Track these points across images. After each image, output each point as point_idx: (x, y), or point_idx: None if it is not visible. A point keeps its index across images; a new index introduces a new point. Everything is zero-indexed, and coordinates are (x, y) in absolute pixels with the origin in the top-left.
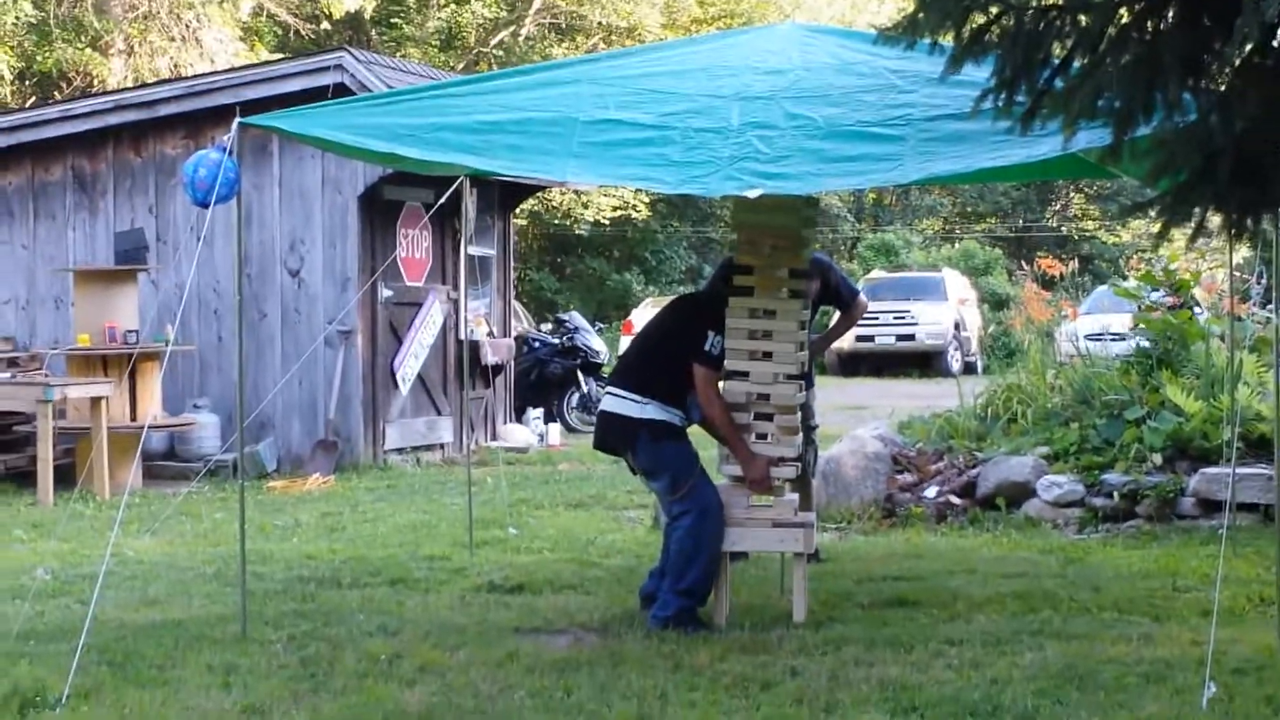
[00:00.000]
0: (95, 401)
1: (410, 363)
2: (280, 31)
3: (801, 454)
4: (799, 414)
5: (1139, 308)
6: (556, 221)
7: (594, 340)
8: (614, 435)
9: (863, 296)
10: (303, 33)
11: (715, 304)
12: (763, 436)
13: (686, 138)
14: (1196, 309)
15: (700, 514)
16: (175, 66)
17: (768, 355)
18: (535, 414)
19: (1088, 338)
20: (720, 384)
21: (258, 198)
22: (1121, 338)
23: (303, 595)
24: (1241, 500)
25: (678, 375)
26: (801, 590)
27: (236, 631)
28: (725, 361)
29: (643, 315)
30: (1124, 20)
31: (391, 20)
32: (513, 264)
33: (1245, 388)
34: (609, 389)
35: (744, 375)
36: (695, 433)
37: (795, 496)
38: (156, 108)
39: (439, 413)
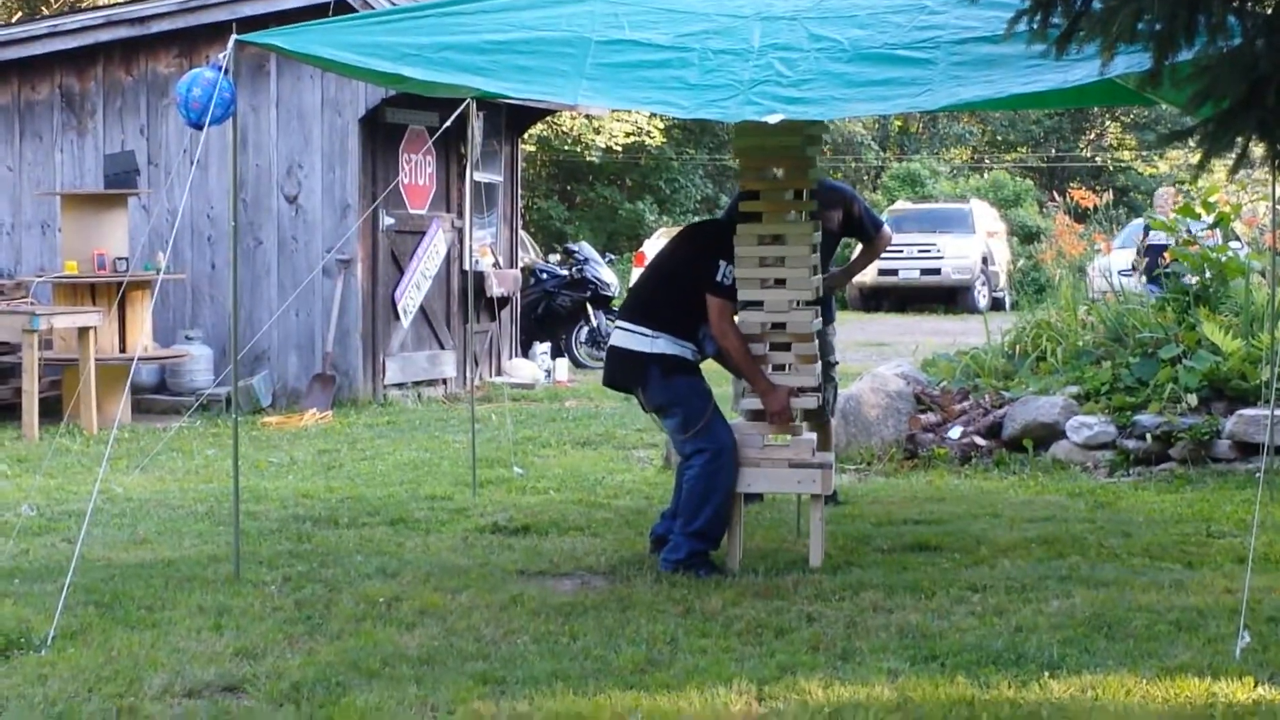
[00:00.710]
0: (83, 332)
1: (412, 294)
2: None
3: (820, 391)
4: (816, 342)
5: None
6: (566, 147)
7: (604, 272)
8: (624, 371)
9: (887, 229)
10: None
11: (725, 232)
12: (780, 367)
13: (705, 60)
14: (1236, 244)
15: (714, 453)
16: None
17: (780, 282)
18: (542, 349)
19: (1121, 273)
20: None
21: (254, 119)
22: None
23: (298, 535)
24: None
25: (689, 307)
26: (818, 534)
27: (229, 572)
28: (738, 291)
29: (655, 246)
30: None
31: None
32: (520, 192)
33: None
34: (618, 323)
35: (758, 305)
36: (708, 369)
37: (813, 436)
38: (149, 24)
39: (441, 346)
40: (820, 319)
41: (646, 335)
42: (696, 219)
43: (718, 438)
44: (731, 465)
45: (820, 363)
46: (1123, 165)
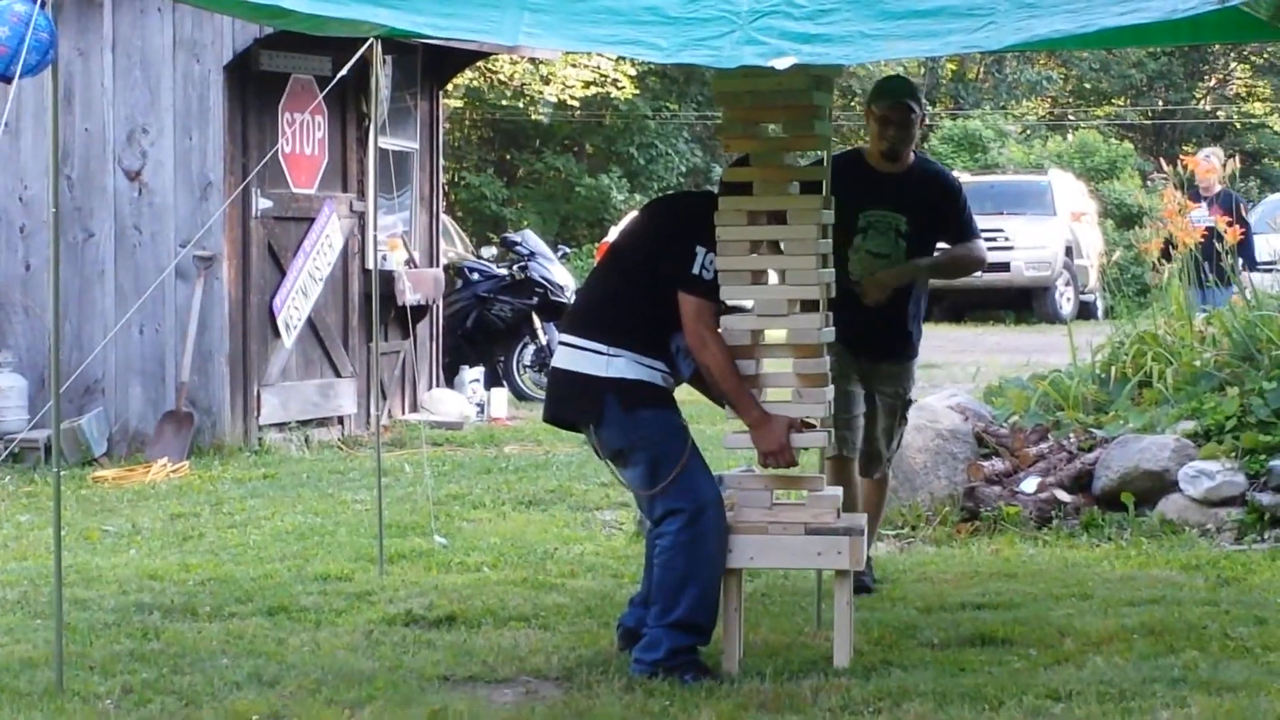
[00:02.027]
0: None
1: (297, 302)
2: None
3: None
4: (826, 357)
5: None
6: (504, 103)
7: (556, 270)
8: (570, 403)
9: (981, 245)
10: None
11: (704, 209)
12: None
13: None
14: None
15: (692, 515)
16: None
17: (778, 276)
18: (473, 375)
19: (1257, 266)
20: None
21: (82, 68)
22: None
23: (143, 630)
24: None
25: (658, 312)
26: (846, 623)
27: (49, 681)
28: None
29: None
30: None
31: None
32: (442, 163)
33: None
34: (562, 338)
35: (747, 307)
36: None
37: (837, 492)
38: None
39: (337, 373)
40: (833, 328)
41: (600, 353)
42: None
43: (696, 493)
44: (717, 530)
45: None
46: (1253, 122)
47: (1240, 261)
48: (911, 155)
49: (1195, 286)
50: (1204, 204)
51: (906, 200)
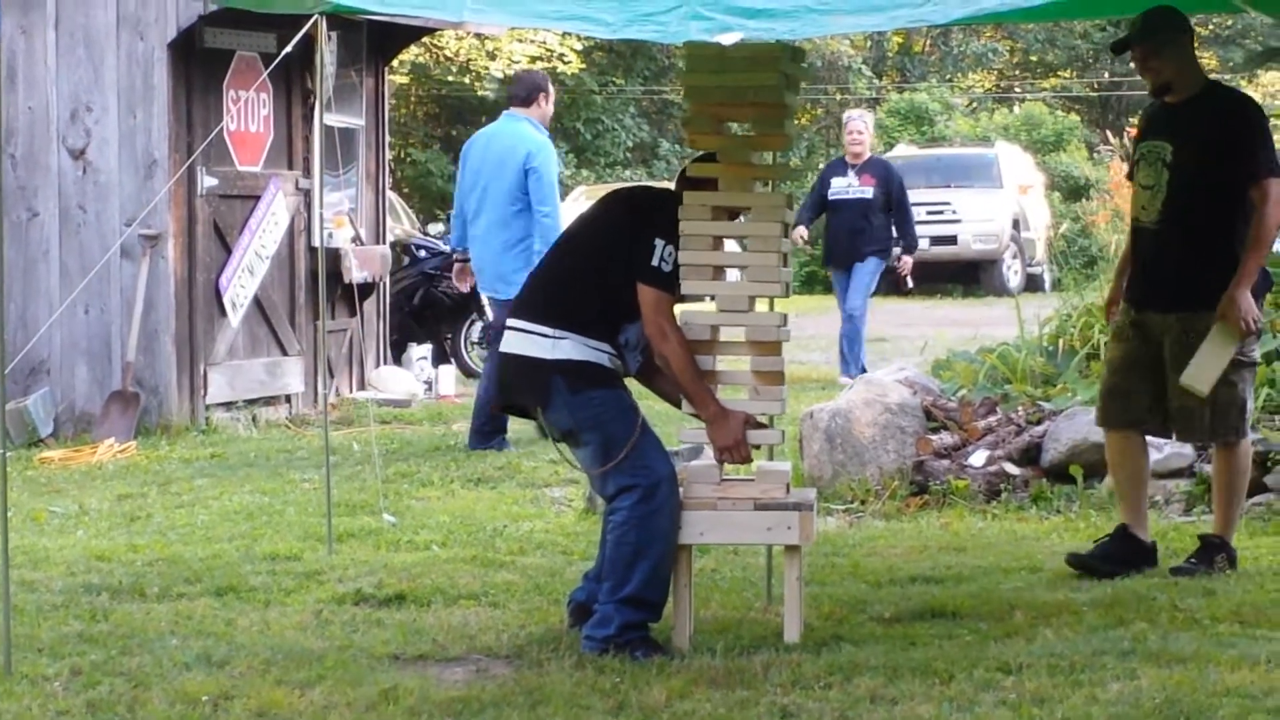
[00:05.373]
0: None
1: (243, 280)
2: None
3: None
4: (783, 355)
5: None
6: (450, 79)
7: None
8: (518, 387)
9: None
10: None
11: (665, 202)
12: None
13: None
14: None
15: (646, 491)
16: None
17: (738, 271)
18: (420, 352)
19: None
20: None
21: (25, 45)
22: None
23: (91, 612)
24: None
25: (609, 300)
26: (796, 599)
27: None
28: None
29: (573, 211)
30: None
31: None
32: (388, 139)
33: None
34: (509, 322)
35: (707, 301)
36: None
37: (786, 467)
38: None
39: (284, 352)
40: (789, 328)
41: (546, 336)
42: (628, 173)
43: (650, 469)
44: (671, 505)
45: None
46: None
47: (901, 236)
48: (1199, 85)
49: (831, 264)
50: (851, 172)
51: (1177, 128)
